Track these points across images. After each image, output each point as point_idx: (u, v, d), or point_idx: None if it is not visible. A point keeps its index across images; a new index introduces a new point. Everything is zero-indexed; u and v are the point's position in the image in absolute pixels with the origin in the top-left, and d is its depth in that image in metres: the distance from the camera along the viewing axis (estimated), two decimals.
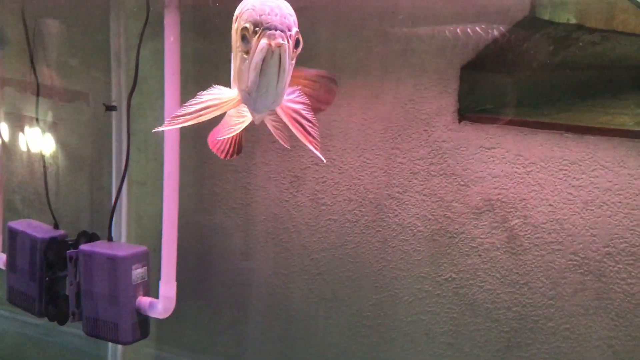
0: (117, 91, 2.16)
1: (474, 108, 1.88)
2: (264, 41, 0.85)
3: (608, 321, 1.71)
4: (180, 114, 0.96)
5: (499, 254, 1.85)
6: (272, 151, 2.15)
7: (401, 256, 2.00)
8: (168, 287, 1.88)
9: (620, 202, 1.67)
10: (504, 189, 1.82)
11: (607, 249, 1.69)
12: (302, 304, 2.19)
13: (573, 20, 2.27)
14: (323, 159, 1.16)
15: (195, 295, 2.33)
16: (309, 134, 1.04)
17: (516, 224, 1.81)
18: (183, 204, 2.23)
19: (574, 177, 1.72)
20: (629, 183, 1.65)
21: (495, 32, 1.77)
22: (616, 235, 1.68)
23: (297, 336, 2.21)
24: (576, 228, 1.73)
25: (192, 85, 2.21)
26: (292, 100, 1.03)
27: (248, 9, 0.89)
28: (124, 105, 1.99)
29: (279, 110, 1.04)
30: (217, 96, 1.00)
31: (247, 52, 0.88)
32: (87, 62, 2.40)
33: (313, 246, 2.14)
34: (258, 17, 0.86)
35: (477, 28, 1.78)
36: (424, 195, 1.95)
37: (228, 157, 1.30)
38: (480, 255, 1.88)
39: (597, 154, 1.69)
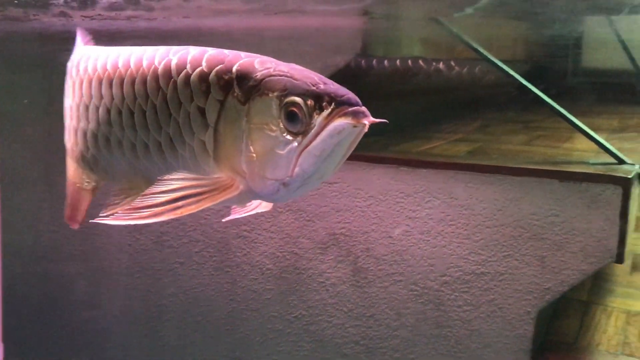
0: None
1: None
2: (343, 121, 0.65)
3: (449, 348, 1.75)
4: (145, 204, 0.68)
5: (345, 287, 1.85)
6: (110, 191, 2.03)
7: (251, 296, 1.95)
8: None
9: (453, 232, 1.72)
10: (347, 222, 1.83)
11: (444, 278, 1.74)
12: (152, 352, 2.07)
13: (413, 54, 2.36)
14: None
15: (32, 354, 2.14)
16: None
17: (360, 257, 1.82)
18: (17, 251, 2.05)
19: (410, 209, 1.76)
20: (460, 213, 1.71)
21: (329, 70, 1.79)
22: (451, 265, 1.73)
23: None
24: (415, 259, 1.77)
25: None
26: None
27: (275, 77, 0.69)
28: None
29: None
30: (196, 182, 0.71)
31: (296, 134, 0.67)
32: None
33: (160, 291, 2.04)
34: (316, 89, 0.67)
35: (309, 66, 1.79)
36: (272, 232, 1.92)
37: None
38: (327, 290, 1.87)
39: (430, 187, 1.74)
